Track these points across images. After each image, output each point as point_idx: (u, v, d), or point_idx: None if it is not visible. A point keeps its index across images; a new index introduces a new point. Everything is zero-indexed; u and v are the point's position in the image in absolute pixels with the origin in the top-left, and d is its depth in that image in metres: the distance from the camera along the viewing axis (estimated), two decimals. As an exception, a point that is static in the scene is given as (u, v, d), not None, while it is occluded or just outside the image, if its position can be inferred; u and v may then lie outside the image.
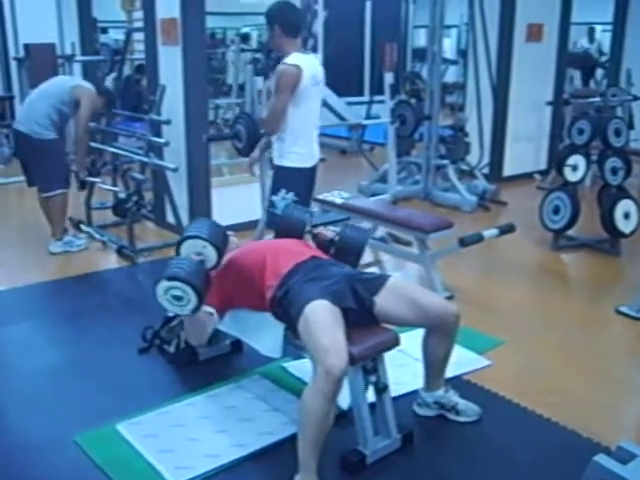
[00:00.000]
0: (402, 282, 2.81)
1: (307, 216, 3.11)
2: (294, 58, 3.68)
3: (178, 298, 2.49)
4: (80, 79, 5.09)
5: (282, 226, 3.08)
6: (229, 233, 3.11)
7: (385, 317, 2.62)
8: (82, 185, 5.14)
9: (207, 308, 2.68)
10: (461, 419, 2.81)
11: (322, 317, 2.40)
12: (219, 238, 2.74)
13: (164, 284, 2.48)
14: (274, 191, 3.81)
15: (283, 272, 2.64)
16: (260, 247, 2.91)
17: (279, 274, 2.65)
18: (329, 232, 3.06)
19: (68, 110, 4.84)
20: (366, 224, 4.20)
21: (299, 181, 3.81)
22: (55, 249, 4.94)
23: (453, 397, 2.82)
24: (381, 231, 4.74)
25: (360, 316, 2.57)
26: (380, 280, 2.69)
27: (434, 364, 2.74)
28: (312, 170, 3.93)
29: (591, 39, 12.61)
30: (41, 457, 2.59)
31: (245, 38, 12.23)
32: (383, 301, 2.60)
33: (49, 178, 4.86)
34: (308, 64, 3.72)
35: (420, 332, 2.73)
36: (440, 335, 2.64)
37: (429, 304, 2.61)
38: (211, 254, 2.67)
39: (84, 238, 5.16)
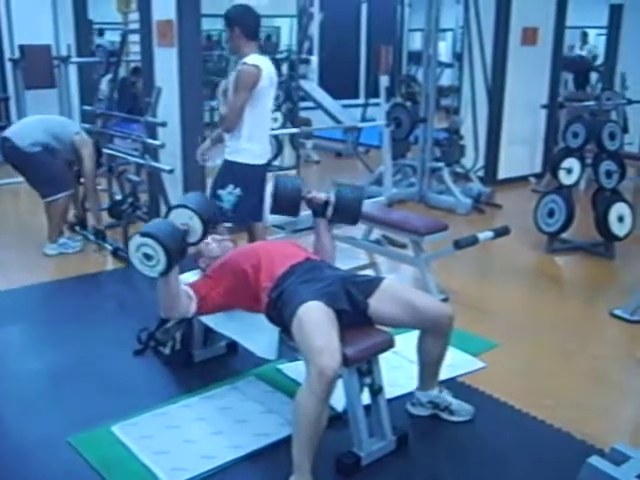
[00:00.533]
0: (396, 284, 2.82)
1: (300, 183, 3.09)
2: (253, 59, 3.76)
3: (148, 257, 2.45)
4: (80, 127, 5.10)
5: (278, 198, 3.04)
6: (223, 237, 3.12)
7: (379, 319, 2.64)
8: (97, 235, 5.14)
9: (185, 289, 2.67)
10: (454, 419, 2.82)
11: (315, 318, 2.41)
12: (207, 211, 2.73)
13: (137, 239, 2.45)
14: (222, 185, 3.89)
15: (278, 274, 2.65)
16: (255, 249, 2.92)
17: (274, 276, 2.65)
18: (322, 194, 3.04)
19: (60, 149, 4.87)
20: (362, 227, 4.21)
21: (251, 177, 3.90)
22: (50, 251, 4.93)
23: (447, 397, 2.84)
24: (376, 233, 4.75)
25: (354, 318, 2.58)
26: (374, 282, 2.70)
27: (429, 364, 2.76)
28: (264, 167, 4.02)
29: (584, 43, 12.67)
30: (36, 458, 2.59)
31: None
32: (377, 303, 2.61)
33: (46, 184, 4.86)
34: (266, 65, 3.82)
35: (415, 334, 2.73)
36: (434, 336, 2.65)
37: (423, 306, 2.62)
38: (197, 226, 2.65)
39: (80, 240, 5.15)
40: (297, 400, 2.29)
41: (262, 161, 3.96)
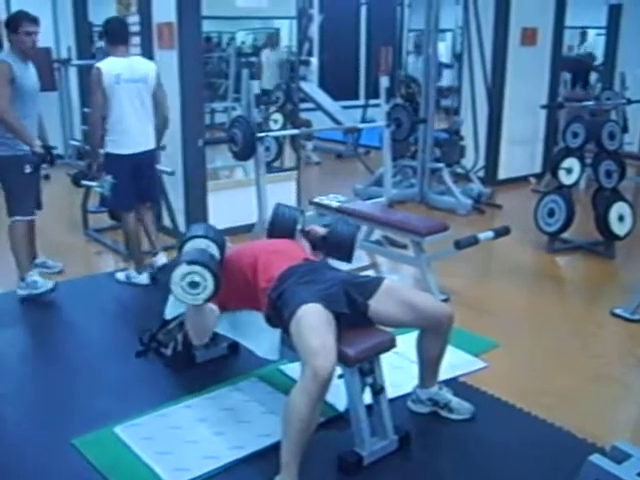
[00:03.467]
0: (396, 284, 2.83)
1: (298, 214, 3.15)
2: (102, 61, 4.21)
3: (194, 285, 2.45)
4: None
5: (274, 225, 3.12)
6: (227, 245, 3.12)
7: (379, 319, 2.65)
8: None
9: (210, 304, 2.69)
10: (454, 416, 2.84)
11: (313, 320, 2.42)
12: (221, 239, 2.80)
13: (183, 268, 2.44)
14: (106, 174, 4.34)
15: (275, 275, 2.66)
16: (253, 249, 2.92)
17: (271, 277, 2.66)
18: (320, 229, 3.09)
19: None
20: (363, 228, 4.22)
21: (115, 166, 4.29)
22: (20, 291, 4.14)
23: (446, 395, 2.86)
24: (377, 234, 4.76)
25: (354, 320, 2.59)
26: (374, 283, 2.71)
27: (428, 363, 2.78)
28: (131, 157, 4.29)
29: (582, 43, 12.66)
30: (39, 460, 2.60)
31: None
32: (377, 304, 2.63)
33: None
34: (112, 66, 4.16)
35: (416, 334, 2.75)
36: (434, 335, 2.67)
37: (423, 305, 2.64)
38: (215, 253, 2.70)
39: (56, 267, 4.66)
40: (290, 398, 2.30)
41: (127, 151, 4.27)
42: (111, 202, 4.55)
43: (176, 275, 2.45)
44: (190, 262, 2.46)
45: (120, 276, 4.49)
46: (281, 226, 3.10)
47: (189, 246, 2.69)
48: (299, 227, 3.10)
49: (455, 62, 8.34)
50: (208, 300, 2.51)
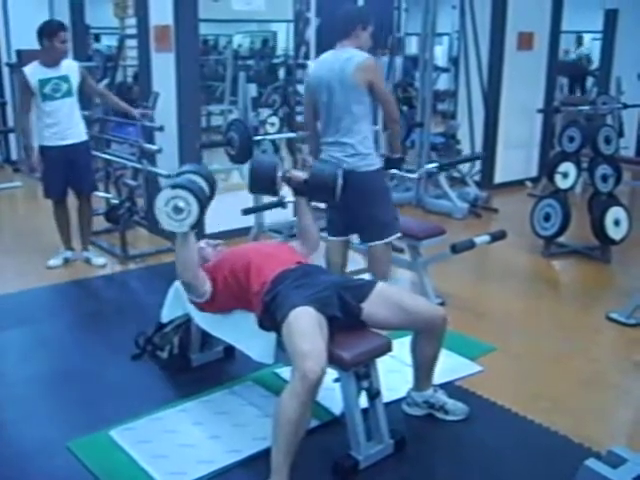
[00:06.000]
0: (389, 287, 2.83)
1: (277, 161, 3.13)
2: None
3: (179, 210, 2.44)
4: None
5: (254, 174, 3.07)
6: (217, 242, 3.12)
7: (373, 322, 2.66)
8: None
9: (198, 245, 2.70)
10: (449, 418, 2.85)
11: (304, 323, 2.42)
12: (212, 178, 2.83)
13: (167, 192, 2.44)
14: None
15: (268, 278, 2.66)
16: (247, 251, 2.92)
17: (265, 280, 2.66)
18: (301, 173, 3.07)
19: None
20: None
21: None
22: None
23: (442, 397, 2.87)
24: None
25: (348, 323, 2.60)
26: (367, 286, 2.71)
27: (423, 365, 2.79)
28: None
29: (578, 47, 12.70)
30: (34, 463, 2.59)
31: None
32: (371, 307, 2.63)
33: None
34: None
35: (411, 337, 2.75)
36: (428, 337, 2.68)
37: (417, 308, 2.65)
38: (204, 188, 2.71)
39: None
40: (279, 400, 2.30)
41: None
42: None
43: (160, 199, 2.45)
44: (174, 186, 2.45)
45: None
46: (261, 175, 3.05)
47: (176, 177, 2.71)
48: (279, 174, 3.05)
49: (452, 66, 8.36)
50: (194, 227, 2.50)
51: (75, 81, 4.60)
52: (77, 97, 4.67)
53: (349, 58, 3.35)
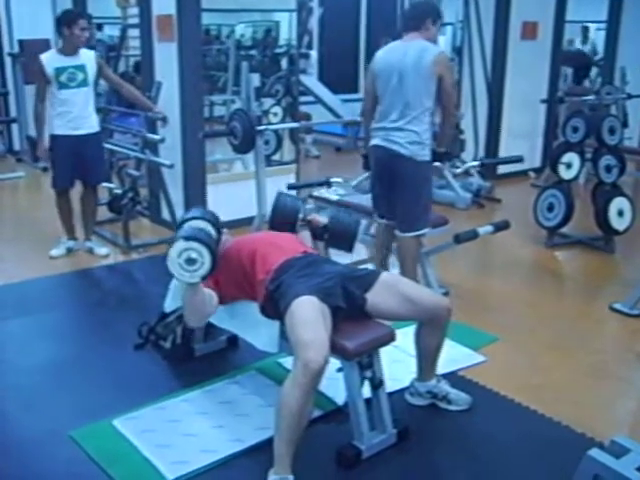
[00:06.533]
0: (393, 277, 2.84)
1: (300, 204, 3.16)
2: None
3: (191, 261, 2.42)
4: None
5: (275, 214, 3.12)
6: (223, 230, 3.11)
7: (377, 313, 2.65)
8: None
9: (208, 290, 2.67)
10: (452, 408, 2.85)
11: (307, 313, 2.42)
12: (217, 222, 2.81)
13: (180, 244, 2.42)
14: None
15: (273, 267, 2.66)
16: (253, 240, 2.92)
17: (269, 269, 2.66)
18: (322, 218, 3.09)
19: None
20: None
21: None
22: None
23: (445, 387, 2.87)
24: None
25: (352, 313, 2.60)
26: (372, 276, 2.71)
27: (427, 355, 2.79)
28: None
29: (585, 38, 12.63)
30: (37, 452, 2.60)
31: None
32: (375, 297, 2.63)
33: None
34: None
35: (415, 327, 2.75)
36: (432, 328, 2.68)
37: (421, 298, 2.64)
38: (212, 233, 2.70)
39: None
40: (281, 389, 2.30)
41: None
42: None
43: (173, 252, 2.42)
44: (187, 238, 2.44)
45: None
46: (283, 216, 3.10)
47: (186, 227, 2.68)
48: (300, 216, 3.09)
49: (455, 56, 8.31)
50: (205, 278, 2.49)
51: (92, 71, 4.59)
52: (93, 87, 4.65)
53: (425, 49, 3.52)
